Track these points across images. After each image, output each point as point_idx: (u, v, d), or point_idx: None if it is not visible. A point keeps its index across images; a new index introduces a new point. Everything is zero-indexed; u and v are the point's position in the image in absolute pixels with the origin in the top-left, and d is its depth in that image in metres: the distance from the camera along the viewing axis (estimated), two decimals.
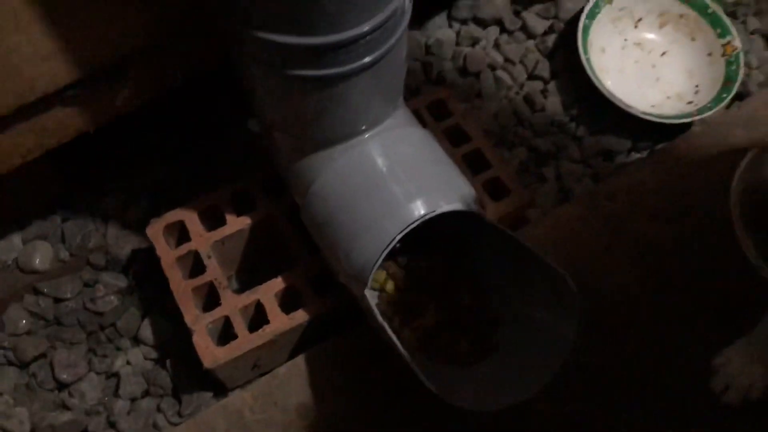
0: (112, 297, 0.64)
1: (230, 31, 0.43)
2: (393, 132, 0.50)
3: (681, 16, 0.75)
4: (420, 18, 0.76)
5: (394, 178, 0.48)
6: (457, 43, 0.76)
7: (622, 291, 0.59)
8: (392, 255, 0.51)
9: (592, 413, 0.54)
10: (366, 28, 0.41)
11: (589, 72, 0.70)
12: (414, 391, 0.47)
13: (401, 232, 0.46)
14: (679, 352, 0.56)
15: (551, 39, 0.76)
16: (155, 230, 0.58)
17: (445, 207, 0.47)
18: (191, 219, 0.58)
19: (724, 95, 0.70)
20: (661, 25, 0.76)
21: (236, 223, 0.58)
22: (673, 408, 0.54)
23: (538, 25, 0.76)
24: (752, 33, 0.83)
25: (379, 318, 0.47)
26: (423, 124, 0.62)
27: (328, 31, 0.40)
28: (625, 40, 0.76)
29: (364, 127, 0.48)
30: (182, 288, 0.56)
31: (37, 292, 0.64)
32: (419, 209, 0.47)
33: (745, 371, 0.53)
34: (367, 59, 0.43)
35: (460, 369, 0.51)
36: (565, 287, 0.47)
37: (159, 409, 0.61)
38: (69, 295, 0.64)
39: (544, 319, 0.50)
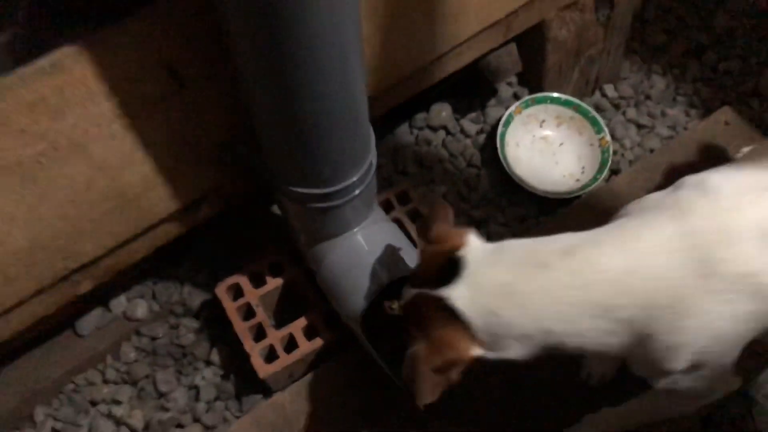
0: (190, 334, 0.94)
1: (273, 184, 0.74)
2: (371, 227, 0.80)
3: (571, 117, 1.06)
4: (388, 127, 1.07)
5: (373, 256, 0.79)
6: (416, 144, 1.07)
7: None
8: (375, 302, 0.82)
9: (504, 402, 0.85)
10: (353, 179, 0.72)
11: (503, 163, 1.01)
12: (386, 387, 0.78)
13: (376, 291, 0.76)
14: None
15: (482, 137, 1.07)
16: (221, 290, 0.88)
17: (405, 271, 0.78)
18: (244, 281, 0.89)
19: (599, 175, 1.01)
20: (558, 125, 1.07)
21: (273, 283, 0.89)
22: (558, 393, 0.85)
23: (472, 128, 1.07)
24: (629, 121, 1.14)
25: (366, 342, 0.77)
26: (393, 208, 0.93)
27: (330, 185, 0.70)
28: (533, 136, 1.06)
29: (353, 227, 0.79)
30: (241, 327, 0.86)
31: (139, 333, 0.95)
32: (387, 274, 0.77)
33: (599, 365, 0.84)
34: (356, 192, 0.74)
35: None
36: None
37: (227, 408, 0.91)
38: (160, 335, 0.95)
39: None
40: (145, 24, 0.58)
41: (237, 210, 0.88)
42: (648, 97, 1.15)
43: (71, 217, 0.69)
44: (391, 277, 0.76)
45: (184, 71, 0.64)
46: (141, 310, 0.94)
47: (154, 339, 0.94)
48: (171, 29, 0.60)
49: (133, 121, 0.64)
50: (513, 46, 1.00)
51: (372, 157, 0.74)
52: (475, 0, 0.83)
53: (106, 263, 0.77)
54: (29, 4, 0.62)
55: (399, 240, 0.81)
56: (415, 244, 0.87)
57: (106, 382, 0.92)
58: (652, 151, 1.07)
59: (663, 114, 1.13)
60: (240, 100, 0.68)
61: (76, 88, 0.58)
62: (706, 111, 1.14)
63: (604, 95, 1.14)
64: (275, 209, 1.00)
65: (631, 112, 1.12)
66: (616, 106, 1.14)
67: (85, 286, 0.79)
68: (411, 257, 0.79)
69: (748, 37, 1.24)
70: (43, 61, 0.55)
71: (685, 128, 1.11)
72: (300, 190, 0.70)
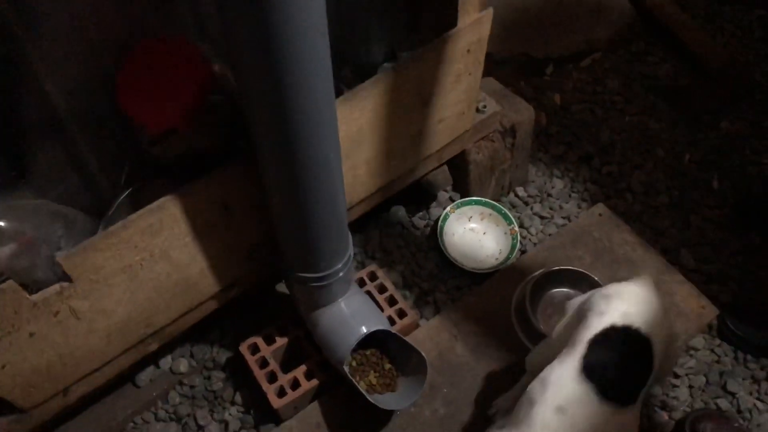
0: (219, 382, 1.28)
1: (283, 271, 1.10)
2: (351, 298, 1.16)
3: (490, 214, 1.45)
4: (361, 225, 1.45)
5: (353, 318, 1.14)
6: (380, 236, 1.45)
7: (450, 353, 1.25)
8: (354, 350, 1.17)
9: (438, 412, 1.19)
10: (338, 266, 1.08)
11: (443, 248, 1.39)
12: (364, 407, 1.12)
13: (355, 342, 1.12)
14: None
15: (427, 230, 1.46)
16: (243, 347, 1.23)
17: (373, 328, 1.14)
18: (259, 341, 1.24)
19: (511, 255, 1.39)
20: (482, 219, 1.46)
21: (281, 341, 1.24)
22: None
23: (420, 223, 1.46)
24: (534, 214, 1.54)
25: (350, 378, 1.12)
26: (365, 284, 1.30)
27: (323, 271, 1.06)
28: (464, 228, 1.45)
29: (338, 297, 1.15)
30: (259, 374, 1.20)
31: (181, 383, 1.28)
32: (362, 329, 1.13)
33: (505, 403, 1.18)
34: (340, 274, 1.10)
35: (383, 395, 1.17)
36: (422, 360, 1.13)
37: None
38: (197, 383, 1.28)
39: (414, 373, 1.16)
40: (214, 180, 0.95)
41: (255, 289, 1.24)
42: (549, 195, 1.55)
43: (153, 299, 1.04)
44: (366, 330, 1.12)
45: (232, 205, 1.01)
46: (182, 365, 1.28)
47: (192, 387, 1.28)
48: (228, 182, 0.97)
49: (199, 236, 1.01)
50: (445, 167, 1.41)
51: (350, 250, 1.11)
52: (418, 140, 1.23)
53: (169, 329, 1.12)
54: (129, 173, 1.00)
55: (370, 306, 1.17)
56: (381, 310, 1.25)
57: (158, 420, 1.25)
58: (550, 235, 1.46)
59: (560, 207, 1.53)
60: (265, 220, 1.06)
61: (169, 218, 0.95)
62: (593, 203, 1.54)
63: (516, 195, 1.54)
64: (281, 287, 1.36)
65: (537, 207, 1.52)
66: (526, 203, 1.53)
67: (153, 346, 1.13)
68: (378, 318, 1.15)
69: (624, 147, 1.66)
70: (154, 205, 0.92)
71: (576, 217, 1.51)
72: (303, 274, 1.07)
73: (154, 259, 0.98)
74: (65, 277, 0.90)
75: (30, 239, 0.95)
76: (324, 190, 0.93)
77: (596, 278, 1.26)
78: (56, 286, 0.90)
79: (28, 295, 0.88)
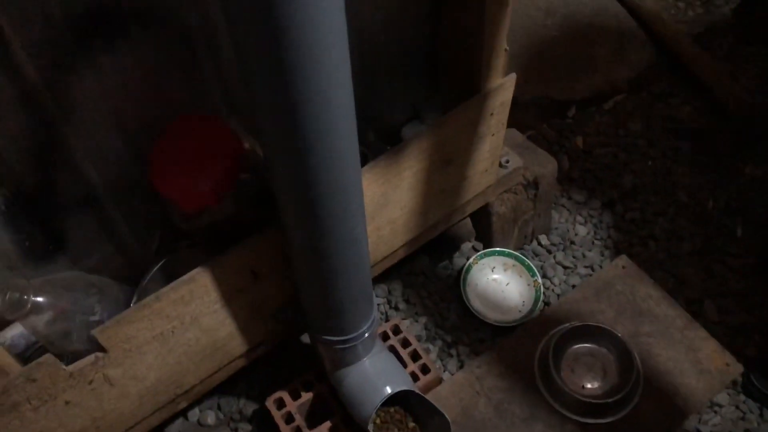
0: None
1: (309, 332, 1.13)
2: (375, 356, 1.18)
3: (513, 265, 1.46)
4: (384, 276, 1.47)
5: (377, 378, 1.16)
6: (404, 286, 1.47)
7: (473, 409, 1.26)
8: (379, 407, 1.18)
9: None
10: (363, 329, 1.10)
11: (465, 300, 1.40)
12: None
13: (380, 402, 1.13)
14: None
15: (450, 280, 1.47)
16: (269, 402, 1.25)
17: (397, 389, 1.15)
18: (285, 395, 1.26)
19: (534, 308, 1.40)
20: (505, 270, 1.47)
21: (306, 396, 1.26)
22: None
23: (443, 274, 1.47)
24: (557, 263, 1.55)
25: None
26: (388, 338, 1.32)
27: (348, 334, 1.08)
28: (487, 279, 1.46)
29: (363, 356, 1.17)
30: (285, 429, 1.23)
31: None
32: (387, 390, 1.15)
33: None
34: (365, 336, 1.12)
35: None
36: (446, 422, 1.14)
37: None
38: None
39: (438, 431, 1.17)
40: (243, 250, 0.98)
41: (281, 345, 1.26)
42: (572, 243, 1.56)
43: (183, 363, 1.07)
44: (391, 391, 1.13)
45: (259, 271, 1.03)
46: (210, 418, 1.31)
47: None
48: (256, 250, 1.00)
49: (227, 302, 1.03)
50: (468, 219, 1.43)
51: (375, 312, 1.13)
52: (441, 197, 1.25)
53: (197, 389, 1.15)
54: (160, 242, 1.02)
55: (394, 365, 1.19)
56: (405, 365, 1.26)
57: None
58: (573, 287, 1.47)
59: (583, 256, 1.53)
60: (291, 282, 1.08)
61: (199, 288, 0.98)
62: (616, 252, 1.55)
63: (539, 243, 1.55)
64: (305, 338, 1.38)
65: (560, 256, 1.53)
66: (549, 251, 1.54)
67: (183, 404, 1.16)
68: (402, 378, 1.16)
69: (647, 192, 1.67)
70: (185, 277, 0.95)
71: (600, 266, 1.52)
72: (328, 338, 1.09)
73: (185, 326, 1.01)
74: (100, 348, 0.93)
75: (64, 308, 0.98)
76: (349, 260, 0.95)
77: (619, 334, 1.27)
78: (91, 357, 0.93)
79: (64, 367, 0.91)
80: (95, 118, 0.88)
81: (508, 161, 1.35)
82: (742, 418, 1.29)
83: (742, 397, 1.31)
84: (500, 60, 1.11)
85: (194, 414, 1.31)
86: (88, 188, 0.94)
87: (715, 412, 1.29)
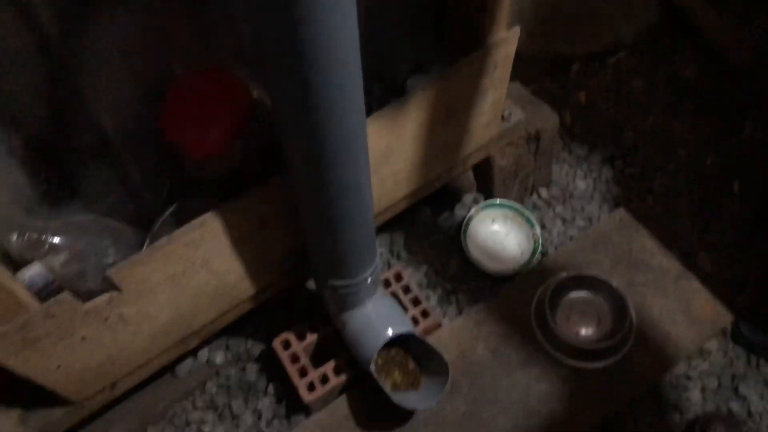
0: (253, 374, 1.36)
1: (314, 277, 1.17)
2: (377, 301, 1.22)
3: (513, 216, 1.50)
4: (388, 226, 1.51)
5: (379, 321, 1.21)
6: (406, 237, 1.51)
7: (471, 353, 1.32)
8: (380, 349, 1.24)
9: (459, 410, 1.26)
10: (366, 274, 1.14)
11: (466, 250, 1.44)
12: (389, 402, 1.20)
13: (381, 344, 1.18)
14: None
15: (451, 231, 1.51)
16: (276, 343, 1.30)
17: (398, 331, 1.20)
18: (291, 337, 1.31)
19: (532, 258, 1.44)
20: (504, 221, 1.51)
21: (311, 338, 1.31)
22: None
23: (445, 225, 1.51)
24: (556, 216, 1.58)
25: (376, 377, 1.19)
26: (390, 284, 1.36)
27: (352, 279, 1.13)
28: (488, 229, 1.50)
29: (366, 301, 1.22)
30: (291, 368, 1.28)
31: (218, 374, 1.36)
32: (389, 332, 1.20)
33: None
34: (368, 280, 1.16)
35: (406, 393, 1.24)
36: (444, 363, 1.19)
37: (280, 425, 1.32)
38: (232, 374, 1.36)
39: (437, 373, 1.23)
40: (251, 198, 1.02)
41: (287, 290, 1.31)
42: (572, 196, 1.59)
43: (194, 304, 1.12)
44: (392, 334, 1.18)
45: (267, 217, 1.07)
46: (219, 357, 1.36)
47: (228, 378, 1.36)
48: (264, 198, 1.04)
49: (236, 247, 1.08)
50: (470, 171, 1.46)
51: (377, 259, 1.17)
52: (444, 150, 1.28)
53: (208, 328, 1.20)
54: (171, 189, 1.06)
55: (395, 309, 1.24)
56: (406, 310, 1.31)
57: (196, 408, 1.33)
58: (571, 238, 1.51)
59: (582, 209, 1.57)
60: (297, 230, 1.12)
61: (209, 233, 1.02)
62: (615, 206, 1.58)
63: (539, 196, 1.58)
64: (311, 284, 1.43)
65: (559, 208, 1.56)
66: (548, 204, 1.58)
67: (193, 343, 1.21)
68: (403, 321, 1.21)
69: (647, 148, 1.69)
70: (196, 222, 0.99)
71: (598, 219, 1.55)
72: (333, 281, 1.13)
73: (195, 268, 1.05)
74: (114, 287, 0.98)
75: (80, 249, 1.03)
76: (354, 208, 0.99)
77: (614, 283, 1.31)
78: (106, 296, 0.98)
79: (81, 304, 0.96)
80: (109, 67, 0.90)
81: (510, 115, 1.37)
82: (731, 365, 1.34)
83: (731, 345, 1.36)
84: (504, 13, 1.13)
85: (204, 354, 1.36)
86: (102, 135, 0.98)
87: (704, 358, 1.34)
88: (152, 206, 1.08)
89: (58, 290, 0.98)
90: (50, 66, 0.85)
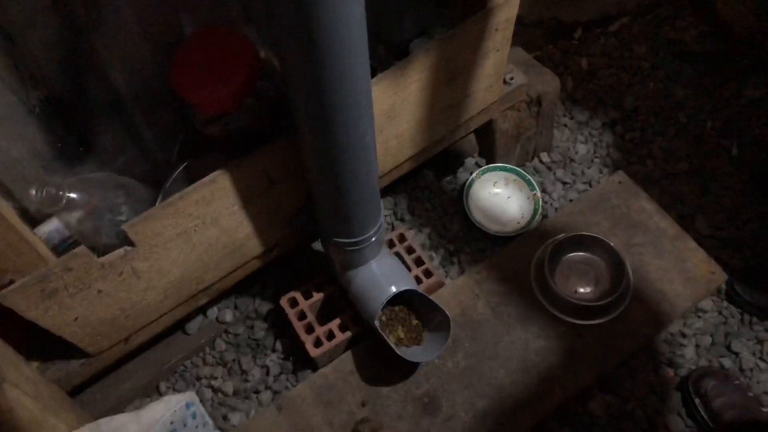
0: (261, 332, 1.41)
1: (321, 236, 1.21)
2: (382, 260, 1.26)
3: (514, 179, 1.53)
4: (392, 188, 1.54)
5: (384, 278, 1.24)
6: (410, 200, 1.54)
7: (472, 310, 1.36)
8: (384, 307, 1.28)
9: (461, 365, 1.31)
10: (371, 233, 1.18)
11: (468, 212, 1.48)
12: (393, 357, 1.24)
13: (385, 300, 1.22)
14: None
15: (454, 194, 1.54)
16: (283, 301, 1.35)
17: (402, 287, 1.24)
18: (298, 295, 1.35)
19: (533, 220, 1.47)
20: (506, 184, 1.54)
21: (317, 296, 1.35)
22: None
23: (447, 187, 1.54)
24: (557, 179, 1.61)
25: (380, 332, 1.23)
26: (394, 245, 1.40)
27: (357, 237, 1.16)
28: (489, 193, 1.53)
29: (370, 259, 1.25)
30: (297, 325, 1.32)
31: (227, 332, 1.41)
32: (392, 289, 1.23)
33: None
34: (373, 239, 1.20)
35: (410, 348, 1.28)
36: (446, 318, 1.24)
37: (287, 380, 1.36)
38: (241, 332, 1.41)
39: (439, 329, 1.27)
40: (260, 156, 1.05)
41: (293, 249, 1.35)
42: (573, 161, 1.62)
43: (204, 260, 1.15)
44: (396, 290, 1.22)
45: (275, 176, 1.11)
46: (228, 316, 1.41)
47: (237, 335, 1.40)
48: (272, 156, 1.07)
49: (245, 204, 1.11)
50: (472, 134, 1.48)
51: (382, 218, 1.20)
52: (447, 113, 1.31)
53: (217, 286, 1.24)
54: (182, 147, 1.09)
55: (399, 267, 1.27)
56: (409, 269, 1.35)
57: (206, 364, 1.38)
58: (571, 201, 1.54)
59: (582, 173, 1.60)
60: (304, 189, 1.15)
61: (219, 190, 1.05)
62: (615, 169, 1.61)
63: (540, 161, 1.61)
64: (317, 245, 1.47)
65: (560, 172, 1.59)
66: (549, 168, 1.61)
67: (203, 300, 1.25)
68: (406, 279, 1.25)
69: (648, 113, 1.71)
70: (206, 179, 1.02)
71: (598, 182, 1.58)
72: (339, 240, 1.17)
73: (206, 225, 1.09)
74: (129, 242, 1.01)
75: (95, 206, 1.07)
76: (359, 166, 1.02)
77: (612, 244, 1.35)
78: (121, 250, 1.02)
79: (96, 258, 1.00)
80: (121, 26, 0.93)
81: (512, 78, 1.40)
82: (724, 323, 1.38)
83: (725, 304, 1.40)
84: None
85: (213, 312, 1.41)
86: (115, 94, 1.01)
87: (699, 316, 1.38)
88: (164, 164, 1.11)
89: (75, 245, 1.01)
90: (65, 24, 0.88)
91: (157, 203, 1.10)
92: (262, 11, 1.01)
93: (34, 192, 0.95)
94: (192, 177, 1.05)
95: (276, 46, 0.87)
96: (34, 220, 1.06)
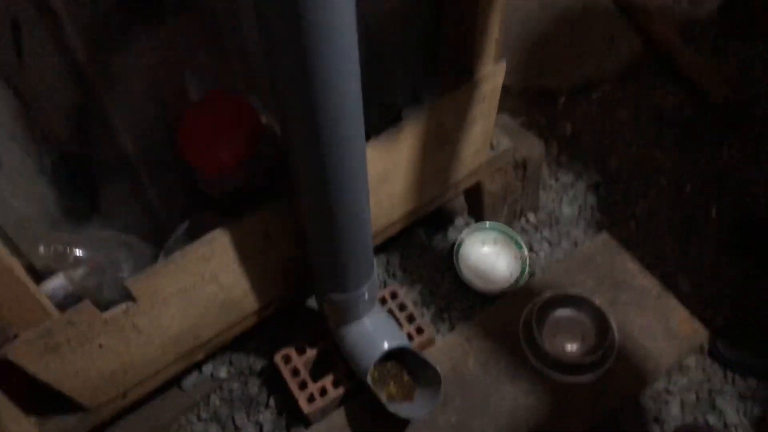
0: (255, 387, 1.43)
1: (315, 291, 1.25)
2: (374, 316, 1.30)
3: (503, 239, 1.58)
4: (384, 246, 1.59)
5: (376, 335, 1.28)
6: (401, 257, 1.59)
7: (462, 367, 1.39)
8: (376, 363, 1.31)
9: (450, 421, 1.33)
10: (363, 289, 1.22)
11: (458, 270, 1.52)
12: (385, 413, 1.26)
13: (378, 357, 1.25)
14: None
15: (444, 252, 1.59)
16: (277, 357, 1.37)
17: (394, 344, 1.27)
18: (291, 352, 1.38)
19: (521, 278, 1.52)
20: (494, 243, 1.59)
21: (311, 352, 1.38)
22: None
23: (438, 246, 1.60)
24: (543, 239, 1.66)
25: (372, 388, 1.26)
26: (386, 302, 1.44)
27: (350, 292, 1.20)
28: (478, 251, 1.58)
29: (363, 315, 1.29)
30: (291, 382, 1.35)
31: (221, 388, 1.43)
32: (385, 346, 1.27)
33: None
34: (365, 296, 1.24)
35: (401, 404, 1.30)
36: (437, 375, 1.26)
37: None
38: (235, 388, 1.43)
39: (430, 385, 1.29)
40: (259, 215, 1.10)
41: (288, 305, 1.38)
42: (558, 221, 1.68)
43: (202, 316, 1.19)
44: (388, 347, 1.25)
45: (272, 233, 1.15)
46: (223, 372, 1.43)
47: (231, 391, 1.42)
48: (270, 215, 1.12)
49: (243, 261, 1.15)
50: (461, 195, 1.55)
51: (374, 274, 1.24)
52: (436, 175, 1.37)
53: (214, 341, 1.27)
54: (184, 205, 1.14)
55: (391, 324, 1.31)
56: (401, 326, 1.39)
57: (200, 420, 1.39)
58: (557, 261, 1.59)
59: (568, 233, 1.65)
60: (300, 246, 1.20)
61: (219, 248, 1.09)
62: (599, 230, 1.66)
63: (527, 220, 1.66)
64: (311, 302, 1.50)
65: (546, 232, 1.65)
66: (536, 228, 1.66)
67: (200, 356, 1.28)
68: (398, 336, 1.29)
69: (630, 176, 1.78)
70: (207, 237, 1.07)
71: (584, 242, 1.64)
72: (332, 295, 1.21)
73: (205, 282, 1.13)
74: (131, 298, 1.05)
75: (99, 262, 1.10)
76: (353, 225, 1.07)
77: (597, 302, 1.39)
78: (123, 306, 1.05)
79: (100, 313, 1.03)
80: (132, 91, 0.99)
81: (498, 143, 1.46)
82: (708, 380, 1.41)
83: (709, 361, 1.43)
84: (492, 48, 1.23)
85: (208, 368, 1.43)
86: (123, 155, 1.06)
87: (683, 374, 1.41)
88: (167, 222, 1.16)
89: (77, 301, 1.05)
90: (80, 90, 0.94)
91: (159, 260, 1.14)
92: (265, 79, 1.08)
93: (42, 249, 0.99)
94: (193, 234, 1.09)
95: (278, 113, 0.93)
96: (38, 275, 1.09)
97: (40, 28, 0.86)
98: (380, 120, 1.32)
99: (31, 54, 0.87)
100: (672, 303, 1.44)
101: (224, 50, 1.04)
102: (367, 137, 1.18)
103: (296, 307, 1.49)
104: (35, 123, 0.94)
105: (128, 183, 1.11)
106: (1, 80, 0.87)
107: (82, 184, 1.06)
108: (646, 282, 1.47)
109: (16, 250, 1.03)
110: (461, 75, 1.26)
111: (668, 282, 1.52)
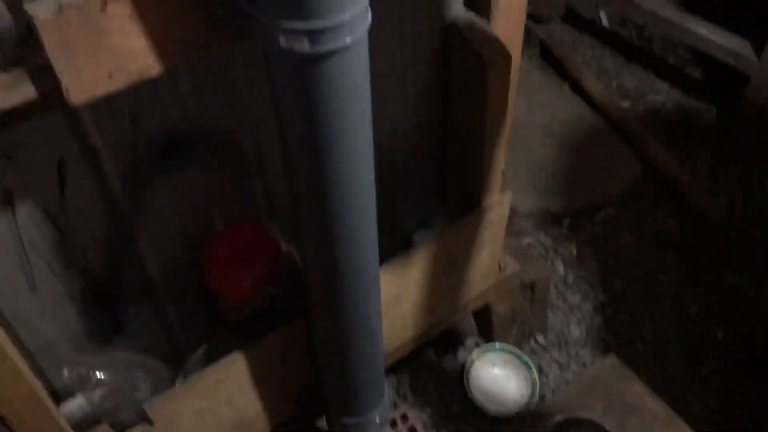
0: None
1: (327, 416, 1.26)
2: None
3: (512, 361, 1.60)
4: (394, 368, 1.61)
5: None
6: (411, 378, 1.60)
7: None
8: None
9: None
10: (374, 413, 1.24)
11: (468, 392, 1.53)
12: None
13: None
14: None
15: (454, 373, 1.61)
16: None
17: None
18: None
19: (532, 400, 1.53)
20: (505, 365, 1.61)
21: None
22: None
23: (448, 367, 1.61)
24: (553, 360, 1.68)
25: None
26: (396, 425, 1.44)
27: (362, 417, 1.22)
28: (488, 373, 1.59)
29: None
30: None
31: None
32: None
33: None
34: (377, 420, 1.25)
35: None
36: None
37: None
38: None
39: None
40: (276, 338, 1.13)
41: (300, 427, 1.39)
42: (567, 342, 1.70)
43: None
44: None
45: (288, 357, 1.18)
46: None
47: None
48: (287, 339, 1.15)
49: (258, 384, 1.18)
50: (471, 316, 1.58)
51: (386, 399, 1.26)
52: (446, 297, 1.41)
53: None
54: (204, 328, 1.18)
55: None
56: None
57: None
58: (567, 383, 1.60)
59: (577, 354, 1.67)
60: (313, 369, 1.23)
61: (236, 371, 1.12)
62: (607, 350, 1.68)
63: (536, 342, 1.69)
64: (320, 423, 1.51)
65: (555, 353, 1.67)
66: (545, 349, 1.68)
67: None
68: None
69: (636, 298, 1.82)
70: (224, 360, 1.10)
71: (592, 363, 1.65)
72: (344, 419, 1.22)
73: (220, 404, 1.15)
74: (147, 420, 1.07)
75: (118, 384, 1.13)
76: (366, 350, 1.10)
77: (606, 427, 1.39)
78: (139, 428, 1.07)
79: None
80: (161, 223, 1.06)
81: (506, 266, 1.52)
82: None
83: None
84: (498, 179, 1.30)
85: None
86: (148, 280, 1.11)
87: None
88: (186, 344, 1.19)
89: (93, 421, 1.07)
90: (114, 223, 1.01)
91: (177, 383, 1.16)
92: (286, 209, 1.15)
93: (66, 372, 1.02)
94: (210, 356, 1.13)
95: (298, 242, 0.99)
96: (57, 395, 1.12)
97: (82, 165, 0.94)
98: (392, 244, 1.38)
99: (72, 189, 0.94)
100: (682, 428, 1.43)
101: (249, 185, 1.11)
102: (380, 261, 1.23)
103: (307, 427, 1.49)
104: (70, 252, 1.00)
105: (151, 306, 1.15)
106: (42, 213, 0.93)
107: (107, 308, 1.10)
108: (656, 406, 1.47)
109: (39, 372, 1.07)
110: (469, 203, 1.33)
111: (678, 406, 1.52)
